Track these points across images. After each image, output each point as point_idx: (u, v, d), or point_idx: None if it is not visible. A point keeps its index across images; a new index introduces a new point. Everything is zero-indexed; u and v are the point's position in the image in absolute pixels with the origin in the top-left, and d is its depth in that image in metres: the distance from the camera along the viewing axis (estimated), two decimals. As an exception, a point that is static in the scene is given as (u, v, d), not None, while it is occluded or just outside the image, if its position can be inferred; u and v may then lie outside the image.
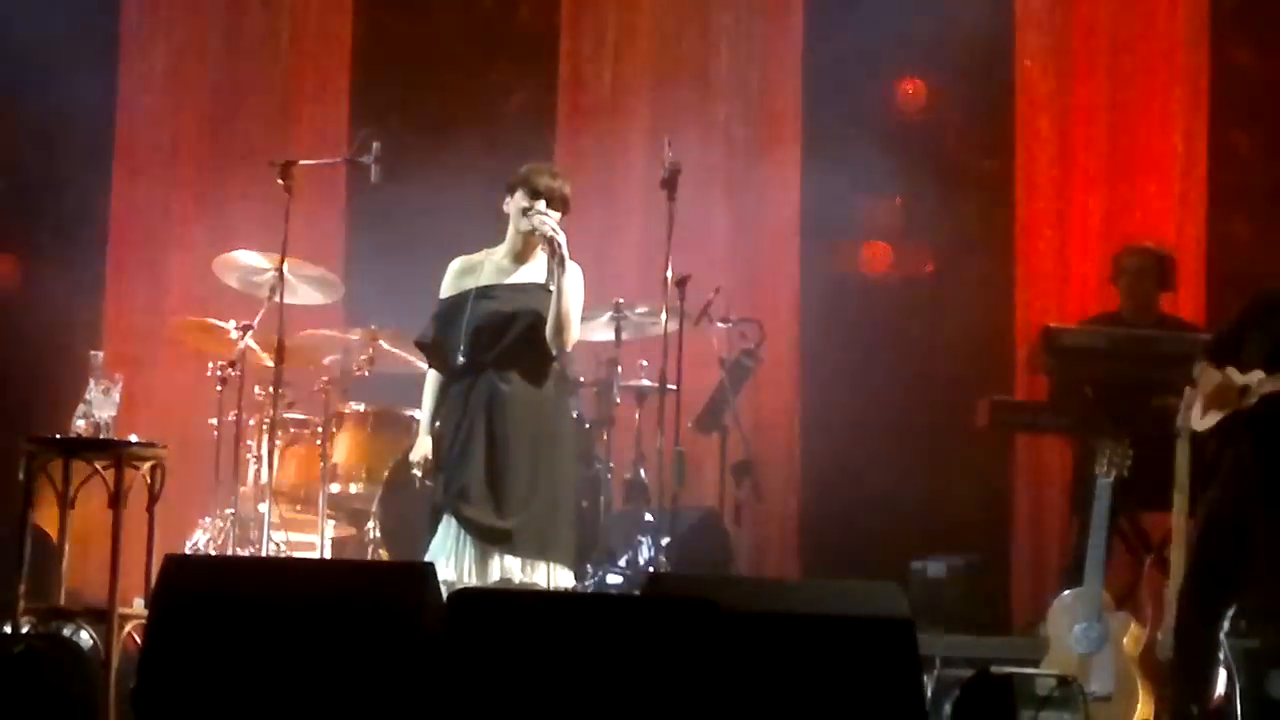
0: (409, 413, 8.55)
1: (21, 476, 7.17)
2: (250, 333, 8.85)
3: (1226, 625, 6.96)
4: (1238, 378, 6.89)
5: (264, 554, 8.51)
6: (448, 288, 7.13)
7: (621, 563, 8.75)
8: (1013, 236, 10.22)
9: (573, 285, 6.93)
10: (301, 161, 8.78)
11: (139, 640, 6.48)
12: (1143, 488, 8.05)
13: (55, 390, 7.99)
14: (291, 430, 9.06)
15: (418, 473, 7.17)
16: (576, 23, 10.49)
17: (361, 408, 9.20)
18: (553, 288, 6.87)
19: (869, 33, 10.04)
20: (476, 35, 10.56)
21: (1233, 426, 6.92)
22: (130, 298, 10.13)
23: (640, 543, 8.78)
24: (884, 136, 10.33)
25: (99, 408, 7.20)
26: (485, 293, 7.03)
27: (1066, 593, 7.88)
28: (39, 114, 10.05)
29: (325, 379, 9.22)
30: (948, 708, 7.04)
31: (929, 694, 7.27)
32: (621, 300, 9.06)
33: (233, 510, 8.80)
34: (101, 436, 7.17)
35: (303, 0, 10.44)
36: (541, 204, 6.96)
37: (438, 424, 7.10)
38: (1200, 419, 7.05)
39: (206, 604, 5.41)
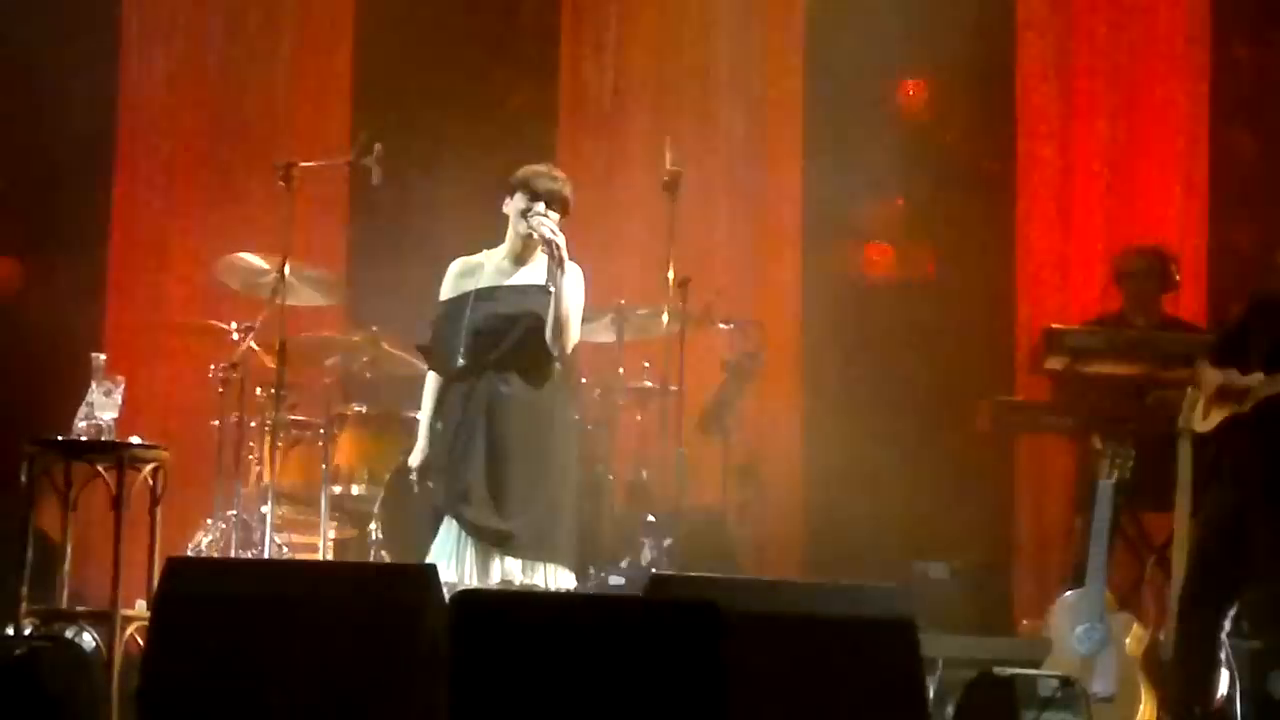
0: (411, 414, 8.55)
1: (23, 478, 7.17)
2: (252, 334, 8.85)
3: (1228, 626, 6.96)
4: (1239, 379, 6.89)
5: (266, 556, 8.51)
6: (447, 290, 7.12)
7: (623, 564, 8.74)
8: (1014, 237, 10.22)
9: (573, 287, 6.92)
10: (303, 163, 8.78)
11: (141, 642, 6.48)
12: (1145, 489, 8.06)
13: (57, 392, 7.98)
14: (293, 432, 9.05)
15: (415, 477, 7.17)
16: (577, 24, 10.49)
17: (363, 409, 9.19)
18: (553, 289, 6.86)
19: (870, 33, 10.03)
20: (478, 36, 10.55)
21: (1233, 428, 6.92)
22: (132, 300, 10.13)
23: (642, 544, 8.78)
24: (885, 137, 10.32)
25: (101, 410, 7.19)
26: (485, 295, 7.02)
27: (1069, 594, 7.88)
28: (40, 116, 10.04)
29: (327, 380, 9.22)
30: (950, 709, 7.04)
31: (931, 695, 7.27)
32: (623, 301, 9.06)
33: (235, 512, 8.79)
34: (103, 438, 7.17)
35: (304, 1, 10.44)
36: (541, 206, 6.94)
37: (438, 426, 7.08)
38: (1202, 420, 7.06)
39: (208, 606, 5.41)
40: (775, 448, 9.96)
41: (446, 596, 5.55)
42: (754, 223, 10.29)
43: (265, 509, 8.62)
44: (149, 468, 7.25)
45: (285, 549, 8.88)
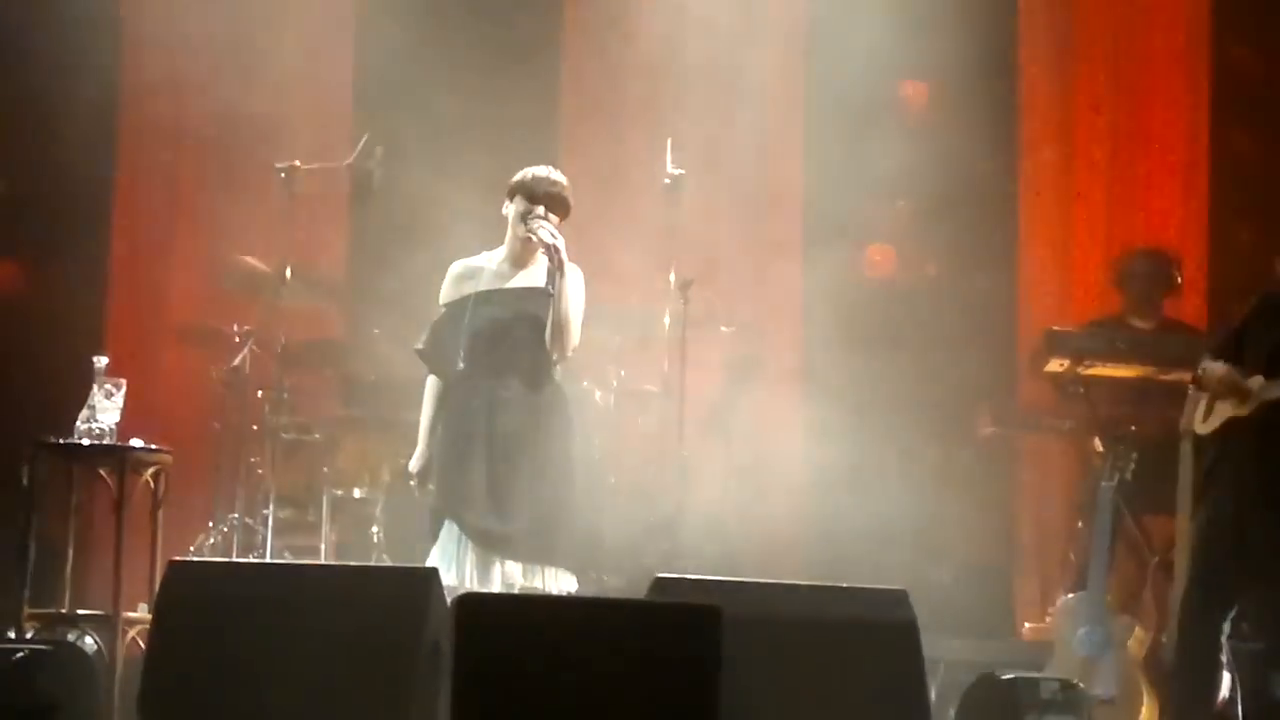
0: (412, 417, 8.55)
1: (24, 481, 7.17)
2: (253, 337, 8.86)
3: (1228, 628, 6.96)
4: (1247, 382, 6.89)
5: (267, 559, 8.52)
6: (447, 293, 7.11)
7: (625, 567, 8.74)
8: (1015, 239, 10.23)
9: (573, 290, 6.91)
10: (305, 166, 8.79)
11: (143, 645, 6.48)
12: (1146, 491, 8.06)
13: (58, 395, 7.98)
14: (294, 435, 9.05)
15: (415, 482, 7.16)
16: (579, 25, 10.50)
17: (364, 412, 9.20)
18: (553, 292, 6.85)
19: (871, 34, 10.03)
20: (479, 38, 10.54)
21: (1233, 430, 6.92)
22: (133, 302, 10.12)
23: (644, 547, 8.77)
24: (887, 139, 10.31)
25: (102, 413, 7.20)
26: (485, 298, 7.01)
27: (1070, 596, 7.89)
28: (42, 117, 10.04)
29: (328, 383, 9.22)
30: (952, 712, 7.04)
31: (933, 698, 7.27)
32: (625, 304, 9.06)
33: (236, 515, 8.80)
34: (105, 441, 7.17)
35: (305, 3, 10.43)
36: (540, 209, 6.94)
37: (438, 430, 7.08)
38: (1203, 422, 7.05)
39: (210, 609, 5.42)
40: (777, 450, 9.95)
41: (448, 600, 5.55)
42: (756, 225, 10.29)
43: (266, 512, 8.63)
44: (150, 470, 7.25)
45: (286, 552, 8.88)
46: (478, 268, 7.09)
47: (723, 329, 9.28)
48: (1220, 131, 10.15)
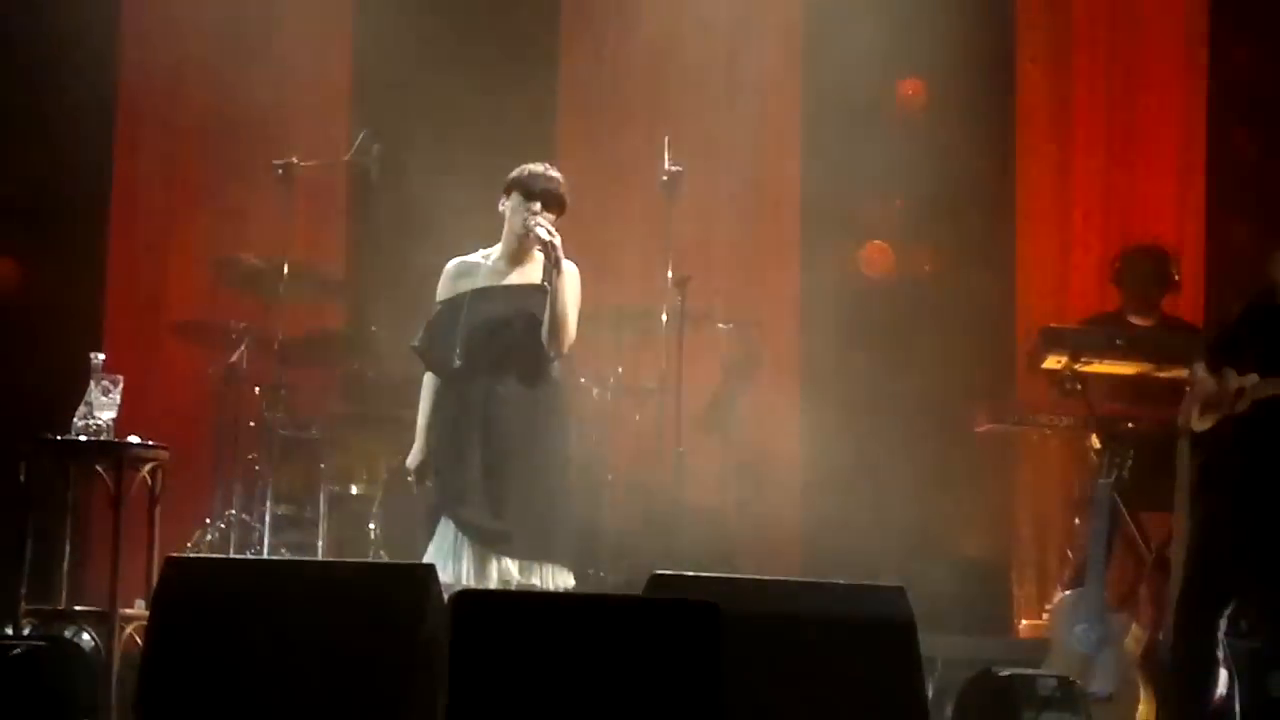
0: (409, 414, 8.55)
1: (22, 478, 7.16)
2: (251, 334, 8.86)
3: (1225, 625, 6.96)
4: (1234, 380, 6.89)
5: (265, 555, 8.52)
6: (444, 290, 7.11)
7: (622, 564, 8.75)
8: (1013, 237, 10.23)
9: (569, 287, 6.91)
10: (302, 162, 8.80)
11: (140, 642, 6.48)
12: (1143, 488, 8.06)
13: (56, 392, 7.98)
14: (292, 431, 9.06)
15: (412, 478, 7.16)
16: (576, 23, 10.50)
17: (362, 409, 9.20)
18: (549, 289, 6.85)
19: (869, 32, 10.03)
20: (476, 34, 10.54)
21: (1229, 428, 6.92)
22: (131, 299, 10.12)
23: (642, 544, 8.78)
24: (884, 137, 10.32)
25: (99, 409, 7.19)
26: (481, 295, 7.01)
27: (1067, 593, 7.89)
28: (39, 116, 10.04)
29: (325, 380, 9.21)
30: (949, 709, 7.05)
31: (930, 695, 7.27)
32: (622, 301, 9.06)
33: (233, 511, 8.80)
34: (102, 438, 7.17)
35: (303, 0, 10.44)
36: (537, 205, 6.94)
37: (435, 427, 7.08)
38: (1199, 420, 7.05)
39: (208, 606, 5.41)
40: (774, 447, 9.96)
41: (445, 597, 5.55)
42: (753, 222, 10.30)
43: (264, 508, 8.63)
44: (148, 467, 7.25)
45: (284, 549, 8.88)
46: (474, 265, 7.09)
47: (720, 326, 9.28)
48: (1218, 129, 10.15)
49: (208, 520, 8.90)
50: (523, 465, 6.89)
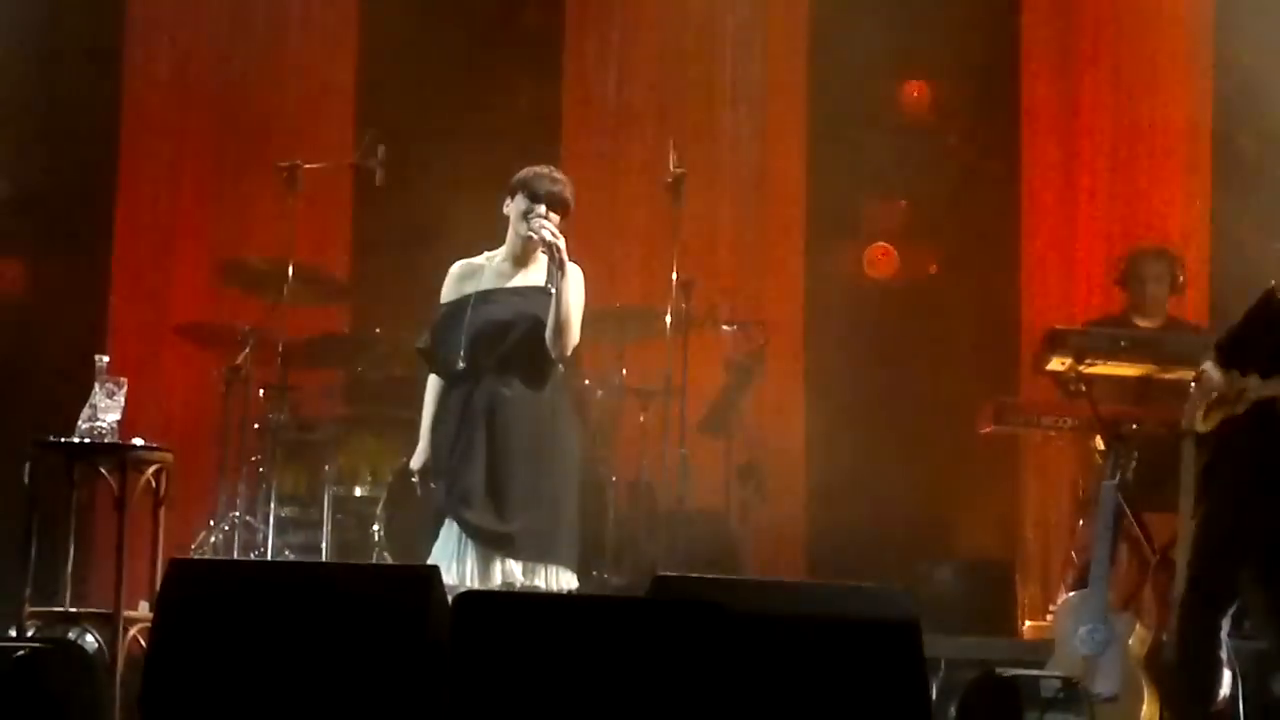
0: (413, 416, 8.56)
1: (26, 480, 7.16)
2: (255, 335, 8.86)
3: (1228, 626, 6.95)
4: (1238, 380, 6.88)
5: (269, 557, 8.52)
6: (448, 292, 7.10)
7: (626, 565, 8.75)
8: (1018, 238, 10.23)
9: (573, 289, 6.90)
10: (307, 164, 8.80)
11: (144, 644, 6.48)
12: (1148, 489, 8.06)
13: (60, 394, 7.98)
14: (296, 433, 9.06)
15: (416, 480, 7.17)
16: (581, 24, 10.50)
17: (366, 411, 9.20)
18: (553, 291, 6.84)
19: (874, 34, 10.04)
20: (481, 36, 10.55)
21: (1230, 429, 6.92)
22: (136, 300, 10.14)
23: (645, 545, 8.78)
24: (889, 138, 10.33)
25: (104, 411, 7.19)
26: (485, 297, 7.00)
27: (1071, 594, 7.88)
28: (44, 116, 10.05)
29: (329, 381, 9.22)
30: (953, 710, 7.04)
31: (934, 696, 7.27)
32: (626, 303, 9.06)
33: (238, 513, 8.81)
34: (106, 440, 7.16)
35: (308, 1, 10.44)
36: (541, 208, 6.93)
37: (439, 429, 7.07)
38: (1203, 421, 7.04)
39: (212, 608, 5.41)
40: (778, 449, 9.96)
41: (449, 598, 5.55)
42: (757, 224, 10.30)
43: (268, 510, 8.63)
44: (152, 469, 7.25)
45: (288, 550, 8.89)
46: (478, 267, 7.09)
47: (724, 328, 9.29)
48: (1222, 130, 10.14)
49: (212, 522, 8.91)
50: (526, 467, 6.88)
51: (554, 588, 6.82)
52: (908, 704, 5.46)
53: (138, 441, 7.30)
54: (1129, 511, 8.20)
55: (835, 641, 5.45)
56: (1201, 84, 10.11)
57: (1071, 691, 6.71)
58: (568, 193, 7.00)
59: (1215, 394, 6.90)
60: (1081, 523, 8.71)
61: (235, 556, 8.59)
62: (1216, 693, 6.93)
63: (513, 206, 6.99)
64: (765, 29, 10.40)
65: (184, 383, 9.84)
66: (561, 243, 6.85)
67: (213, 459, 9.07)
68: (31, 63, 9.84)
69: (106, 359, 7.29)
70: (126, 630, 7.05)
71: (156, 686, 5.38)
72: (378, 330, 9.24)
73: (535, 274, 6.96)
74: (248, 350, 8.83)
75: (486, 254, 7.10)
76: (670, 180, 8.40)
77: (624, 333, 9.19)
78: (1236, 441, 6.84)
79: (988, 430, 9.14)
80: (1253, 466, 6.79)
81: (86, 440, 7.15)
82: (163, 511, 7.28)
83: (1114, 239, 9.94)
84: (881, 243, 10.61)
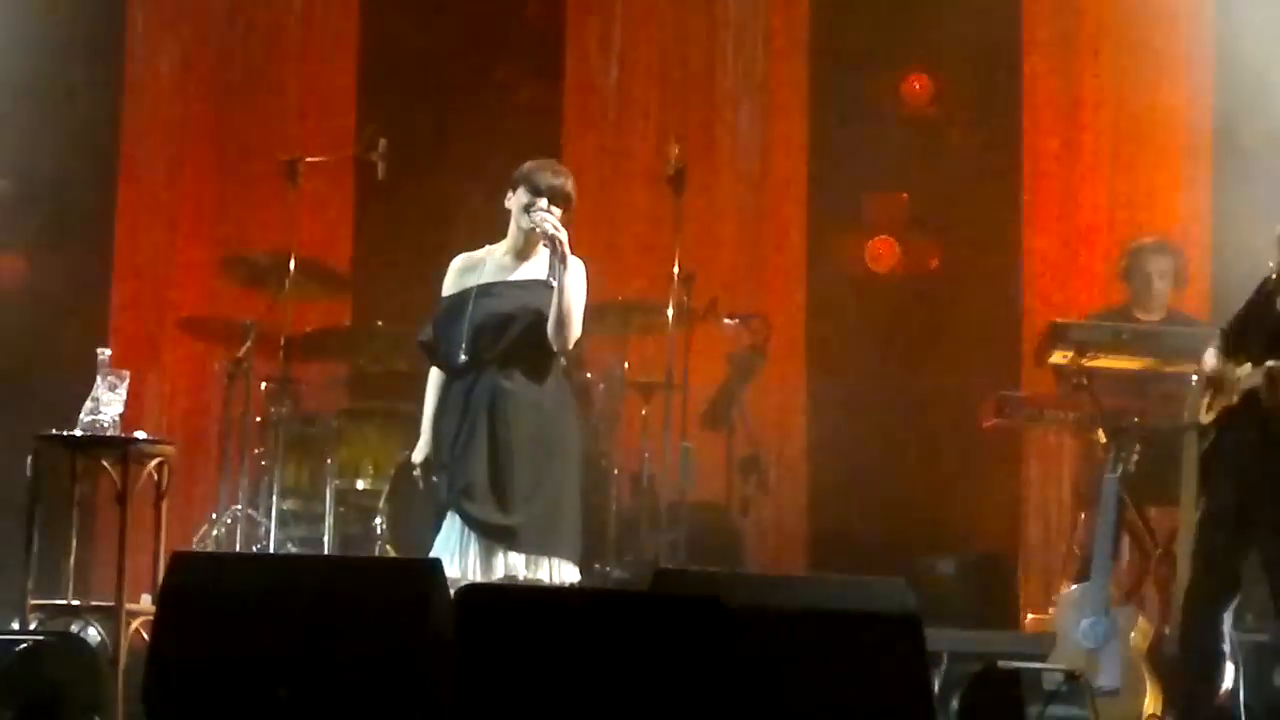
0: (415, 409, 8.56)
1: (28, 473, 7.17)
2: (257, 329, 8.86)
3: (1231, 619, 6.96)
4: (1235, 371, 6.89)
5: (271, 550, 8.53)
6: (449, 286, 7.10)
7: (628, 559, 8.75)
8: (1019, 231, 10.21)
9: (574, 282, 6.90)
10: (308, 158, 8.81)
11: (146, 637, 6.48)
12: (1150, 482, 8.06)
13: (62, 387, 7.98)
14: (298, 426, 9.07)
15: (418, 473, 7.17)
16: (582, 19, 10.50)
17: (368, 404, 9.21)
18: (554, 284, 6.84)
19: (875, 27, 10.03)
20: (482, 32, 10.55)
21: (1229, 419, 6.92)
22: (137, 294, 10.14)
23: (647, 539, 8.78)
24: (890, 132, 10.33)
25: (106, 404, 7.19)
26: (487, 290, 7.00)
27: (1073, 588, 7.89)
28: (46, 111, 10.05)
29: (332, 375, 9.22)
30: (955, 703, 7.04)
31: (936, 689, 7.27)
32: (628, 296, 9.06)
33: (240, 506, 8.81)
34: (108, 433, 7.16)
35: (308, -3, 10.46)
36: (543, 201, 6.92)
37: (441, 422, 7.08)
38: (1204, 413, 7.05)
39: (214, 600, 5.42)
40: (780, 442, 9.97)
41: (451, 591, 5.55)
42: (759, 217, 10.30)
43: (270, 503, 8.63)
44: (154, 462, 7.25)
45: (290, 543, 8.89)
46: (480, 260, 7.09)
47: (726, 321, 9.28)
48: (1224, 123, 10.13)
49: (214, 515, 8.91)
50: (528, 460, 6.88)
51: (556, 580, 6.82)
52: (910, 697, 5.46)
53: (140, 435, 7.31)
54: (1131, 504, 8.21)
55: (837, 635, 5.46)
56: (1203, 76, 10.10)
57: (1073, 684, 6.71)
58: (569, 186, 6.99)
59: (1208, 380, 6.91)
60: (1083, 516, 8.70)
61: (237, 550, 8.59)
62: (1218, 685, 6.94)
63: (514, 200, 6.98)
64: (766, 22, 10.39)
65: (186, 376, 9.85)
66: (563, 236, 6.85)
67: (215, 452, 9.07)
68: (34, 57, 9.83)
69: (108, 352, 7.29)
70: (129, 623, 7.05)
71: (159, 679, 5.39)
72: (379, 324, 9.24)
73: (537, 267, 6.96)
74: (249, 344, 8.83)
75: (488, 247, 7.10)
76: (671, 174, 8.40)
77: (626, 326, 9.19)
78: (1236, 431, 6.84)
79: (990, 424, 9.13)
80: (1253, 457, 6.79)
81: (89, 433, 7.15)
82: (165, 504, 7.28)
83: (1116, 231, 9.93)
84: (883, 236, 10.61)
